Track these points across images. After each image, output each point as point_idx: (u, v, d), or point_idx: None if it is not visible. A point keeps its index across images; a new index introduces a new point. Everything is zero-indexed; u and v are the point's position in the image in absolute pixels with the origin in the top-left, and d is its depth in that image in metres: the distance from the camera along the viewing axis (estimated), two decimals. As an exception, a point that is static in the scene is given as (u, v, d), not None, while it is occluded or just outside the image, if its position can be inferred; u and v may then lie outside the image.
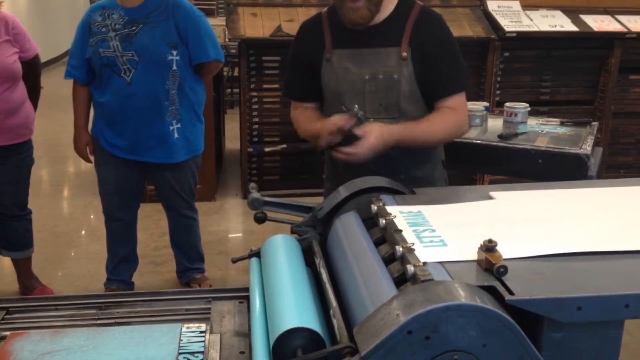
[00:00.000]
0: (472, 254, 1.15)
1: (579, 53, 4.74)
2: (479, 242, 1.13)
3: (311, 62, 1.94)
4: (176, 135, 2.85)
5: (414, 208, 1.41)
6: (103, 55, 2.71)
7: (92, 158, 2.95)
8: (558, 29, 4.62)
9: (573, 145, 2.39)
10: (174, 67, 2.76)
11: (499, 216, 1.38)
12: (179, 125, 2.85)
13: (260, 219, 1.55)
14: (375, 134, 1.74)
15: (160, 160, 2.88)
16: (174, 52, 2.75)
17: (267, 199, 1.54)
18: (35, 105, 2.98)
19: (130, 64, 2.72)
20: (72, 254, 3.81)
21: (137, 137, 2.82)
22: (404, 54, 1.84)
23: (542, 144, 2.45)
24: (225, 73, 6.13)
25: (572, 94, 4.81)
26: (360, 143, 1.74)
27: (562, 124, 2.80)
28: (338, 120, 1.78)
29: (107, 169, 2.91)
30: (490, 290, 1.03)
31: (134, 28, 2.72)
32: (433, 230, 1.29)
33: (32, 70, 2.89)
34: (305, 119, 2.00)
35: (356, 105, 1.80)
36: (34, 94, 2.95)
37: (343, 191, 1.50)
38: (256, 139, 4.58)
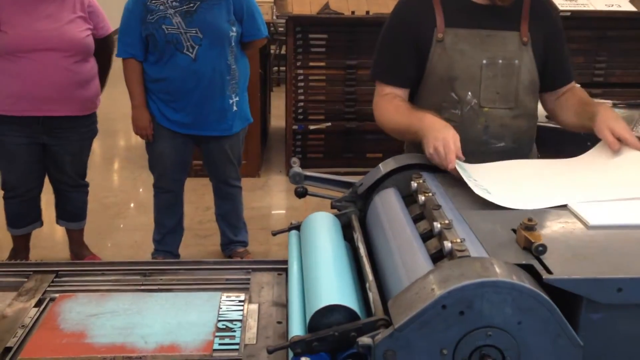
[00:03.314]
0: (513, 203, 1.28)
1: (636, 34, 4.56)
2: (521, 192, 1.27)
3: (417, 42, 1.71)
4: (235, 108, 2.95)
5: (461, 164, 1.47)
6: (168, 33, 2.76)
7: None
8: (615, 8, 4.45)
9: (625, 128, 2.32)
10: (233, 43, 2.86)
11: (545, 170, 1.48)
12: (237, 98, 2.96)
13: (300, 194, 1.56)
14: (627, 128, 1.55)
15: (220, 133, 2.97)
16: (234, 29, 2.85)
17: (308, 173, 1.56)
18: (103, 82, 3.06)
19: (193, 40, 2.78)
20: (121, 225, 3.92)
21: (200, 113, 2.89)
22: (524, 38, 1.68)
23: (592, 125, 2.38)
24: (272, 51, 6.14)
25: (627, 76, 4.64)
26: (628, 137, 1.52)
27: (614, 105, 2.72)
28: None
29: (163, 144, 2.97)
30: (528, 268, 1.02)
31: (192, 5, 2.76)
32: (475, 180, 1.38)
33: (103, 48, 2.96)
34: (394, 110, 1.71)
35: (469, 93, 1.67)
36: (103, 71, 3.02)
37: (383, 167, 1.50)
38: (301, 117, 4.59)
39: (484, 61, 1.67)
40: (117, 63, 2.96)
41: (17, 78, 2.73)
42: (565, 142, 2.41)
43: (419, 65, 1.72)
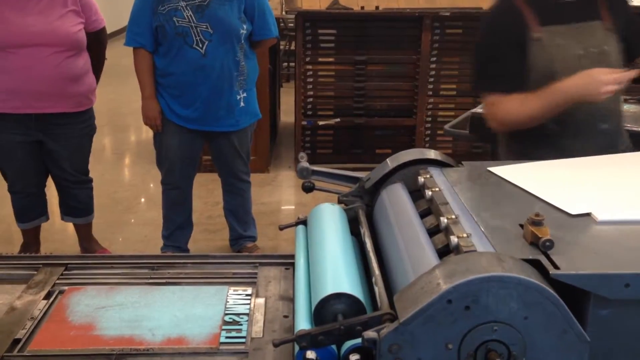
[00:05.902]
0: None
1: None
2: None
3: (516, 46, 1.81)
4: (242, 104, 2.97)
5: None
6: (178, 25, 2.77)
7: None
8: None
9: (635, 123, 2.31)
10: (242, 41, 2.88)
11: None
12: (245, 94, 2.97)
13: (308, 188, 1.56)
14: None
15: (228, 128, 2.98)
16: (244, 26, 2.86)
17: (315, 168, 1.56)
18: (97, 77, 3.05)
19: (203, 35, 2.78)
20: (132, 220, 3.95)
21: (207, 108, 2.90)
22: (608, 24, 1.82)
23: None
24: (282, 47, 6.15)
25: None
26: None
27: (625, 101, 2.69)
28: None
29: (171, 139, 2.98)
30: (535, 264, 1.02)
31: (204, 0, 2.77)
32: None
33: (97, 42, 2.95)
34: (520, 103, 1.80)
35: None
36: (97, 65, 3.01)
37: (390, 162, 1.50)
38: (310, 113, 4.60)
39: (580, 52, 1.79)
40: (128, 59, 2.97)
41: (8, 74, 2.71)
42: None
43: (520, 68, 1.81)
